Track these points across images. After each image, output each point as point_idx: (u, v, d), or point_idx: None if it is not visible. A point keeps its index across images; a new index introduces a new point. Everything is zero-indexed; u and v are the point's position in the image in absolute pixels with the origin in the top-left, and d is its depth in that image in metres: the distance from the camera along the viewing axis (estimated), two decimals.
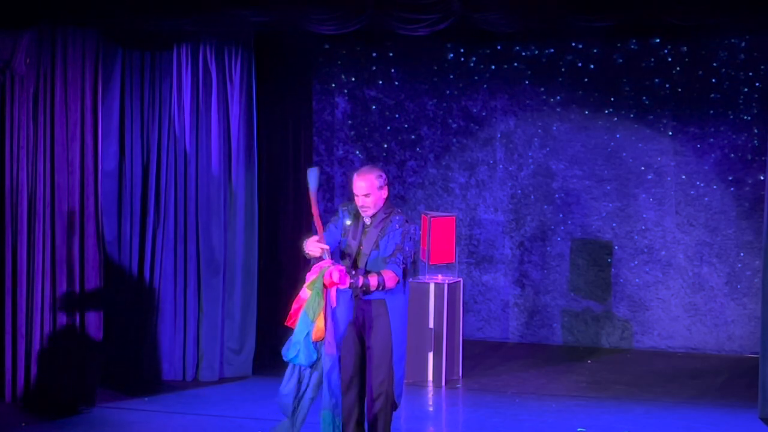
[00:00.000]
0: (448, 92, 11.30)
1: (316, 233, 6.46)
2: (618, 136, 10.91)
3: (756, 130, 10.50)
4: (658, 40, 10.68)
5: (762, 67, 10.45)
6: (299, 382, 6.33)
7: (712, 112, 10.63)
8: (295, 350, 6.26)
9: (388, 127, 11.45)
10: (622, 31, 10.30)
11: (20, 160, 8.35)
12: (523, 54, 11.07)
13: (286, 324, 6.43)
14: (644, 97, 10.81)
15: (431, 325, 9.26)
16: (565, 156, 11.05)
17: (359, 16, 8.17)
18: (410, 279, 6.75)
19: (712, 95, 10.62)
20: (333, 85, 11.51)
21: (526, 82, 11.11)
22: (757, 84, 10.48)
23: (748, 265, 10.59)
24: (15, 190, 8.36)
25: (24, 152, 8.34)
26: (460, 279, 9.74)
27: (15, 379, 8.35)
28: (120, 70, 9.00)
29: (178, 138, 9.14)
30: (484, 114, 11.25)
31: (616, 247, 10.95)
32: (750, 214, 10.57)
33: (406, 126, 11.42)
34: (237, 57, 9.23)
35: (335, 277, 6.24)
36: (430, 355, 9.28)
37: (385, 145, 11.47)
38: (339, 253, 6.61)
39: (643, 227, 10.88)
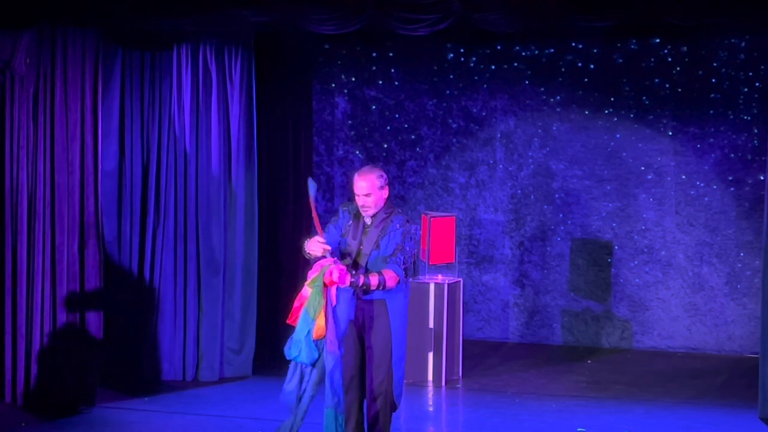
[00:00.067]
0: (448, 92, 11.30)
1: (316, 233, 6.48)
2: (618, 136, 10.91)
3: (756, 130, 10.50)
4: (658, 40, 10.68)
5: (762, 67, 10.45)
6: (301, 379, 6.37)
7: (712, 112, 10.63)
8: (297, 349, 6.31)
9: (388, 127, 11.46)
10: (622, 31, 10.30)
11: (20, 160, 8.35)
12: (523, 54, 11.07)
13: (287, 322, 6.47)
14: (644, 97, 10.82)
15: (431, 325, 9.26)
16: (565, 156, 11.05)
17: (359, 16, 8.17)
18: (411, 279, 6.74)
19: (712, 95, 10.62)
20: (333, 85, 11.52)
21: (526, 82, 11.11)
22: (757, 84, 10.48)
23: (748, 265, 10.60)
24: (15, 190, 8.36)
25: (24, 152, 8.33)
26: (460, 279, 9.74)
27: (15, 379, 8.35)
28: (120, 70, 9.00)
29: (178, 138, 9.14)
30: (484, 114, 11.25)
31: (616, 247, 10.95)
32: (750, 214, 10.57)
33: (406, 126, 11.42)
34: (237, 57, 9.24)
35: (335, 276, 6.26)
36: (430, 355, 9.28)
37: (385, 145, 11.47)
38: (339, 254, 6.62)
39: (643, 227, 10.88)
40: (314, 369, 6.36)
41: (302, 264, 8.32)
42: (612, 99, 10.89)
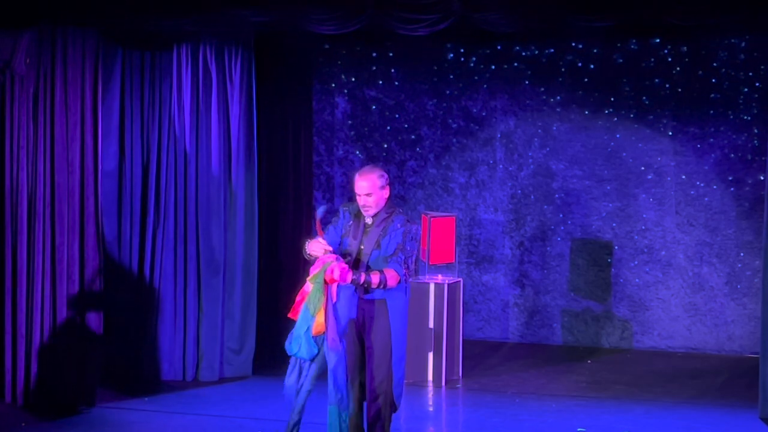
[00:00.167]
0: (448, 92, 11.30)
1: (316, 235, 6.50)
2: (618, 136, 10.91)
3: (756, 130, 10.50)
4: (658, 40, 10.68)
5: (762, 67, 10.45)
6: (299, 374, 6.43)
7: (712, 112, 10.63)
8: (297, 344, 6.38)
9: (388, 127, 11.45)
10: (622, 31, 10.30)
11: (20, 160, 8.34)
12: (523, 54, 11.07)
13: (288, 316, 6.49)
14: (644, 97, 10.82)
15: (431, 325, 9.26)
16: (565, 156, 11.05)
17: (359, 16, 8.17)
18: (411, 279, 6.75)
19: (712, 95, 10.62)
20: (333, 85, 11.52)
21: (526, 82, 11.11)
22: (757, 84, 10.48)
23: (748, 265, 10.59)
24: (15, 190, 8.36)
25: (24, 152, 8.33)
26: (460, 279, 9.74)
27: (15, 379, 8.35)
28: (120, 70, 9.00)
29: (178, 138, 9.14)
30: (484, 114, 11.25)
31: (616, 247, 10.95)
32: (750, 214, 10.57)
33: (406, 126, 11.42)
34: (237, 57, 9.23)
35: (336, 274, 6.27)
36: (430, 355, 9.28)
37: (385, 145, 11.47)
38: (340, 254, 6.62)
39: (643, 227, 10.88)
40: (312, 364, 6.41)
41: (302, 264, 8.32)
42: (612, 99, 10.89)
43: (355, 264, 6.54)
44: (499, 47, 11.10)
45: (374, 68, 11.42)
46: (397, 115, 11.43)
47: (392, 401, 6.62)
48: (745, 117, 10.53)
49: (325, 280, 6.30)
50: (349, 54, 11.42)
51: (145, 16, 8.37)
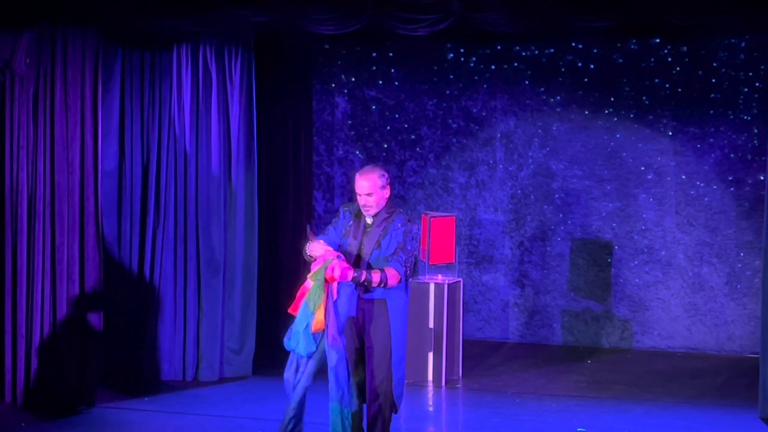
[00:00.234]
0: (448, 92, 11.30)
1: (309, 240, 6.55)
2: (618, 136, 10.91)
3: (756, 130, 10.50)
4: (658, 40, 10.68)
5: (762, 67, 10.45)
6: (296, 369, 6.44)
7: (712, 112, 10.63)
8: (295, 340, 6.40)
9: (388, 127, 11.45)
10: (622, 31, 10.30)
11: (20, 160, 8.34)
12: (523, 54, 11.07)
13: (288, 311, 6.51)
14: (644, 97, 10.81)
15: (431, 325, 9.26)
16: (565, 156, 11.05)
17: (359, 16, 8.17)
18: (411, 279, 6.75)
19: (712, 95, 10.62)
20: (333, 85, 11.51)
21: (526, 82, 11.11)
22: (757, 84, 10.48)
23: (748, 265, 10.59)
24: (15, 190, 8.36)
25: (24, 152, 8.33)
26: (460, 279, 9.74)
27: (15, 379, 8.35)
28: (120, 70, 9.00)
29: (178, 138, 9.14)
30: (484, 114, 11.25)
31: (616, 247, 10.95)
32: (750, 214, 10.57)
33: (406, 126, 11.42)
34: (237, 57, 9.23)
35: (337, 273, 6.28)
36: (430, 355, 9.28)
37: (385, 145, 11.47)
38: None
39: (643, 227, 10.88)
40: (310, 360, 6.43)
41: (302, 264, 8.32)
42: (612, 99, 10.89)
43: (356, 263, 6.54)
44: (499, 47, 11.10)
45: (374, 68, 11.42)
46: (397, 115, 11.43)
47: (392, 401, 6.62)
48: (745, 117, 10.53)
49: (325, 278, 6.30)
50: (349, 54, 11.42)
51: (145, 16, 8.37)
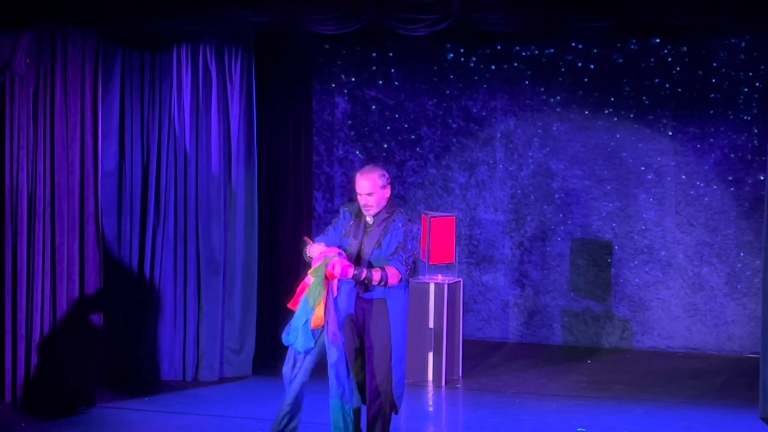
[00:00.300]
0: (448, 92, 11.30)
1: (306, 244, 6.55)
2: (618, 136, 10.91)
3: (756, 130, 10.50)
4: (658, 40, 10.68)
5: (762, 67, 10.45)
6: (294, 364, 6.45)
7: (712, 112, 10.63)
8: (294, 336, 6.40)
9: (388, 127, 11.45)
10: (622, 31, 10.30)
11: (20, 160, 8.34)
12: (523, 54, 11.07)
13: (288, 306, 6.51)
14: (644, 97, 10.81)
15: (431, 325, 9.26)
16: (565, 156, 11.05)
17: (359, 16, 8.17)
18: (411, 279, 6.75)
19: (712, 95, 10.62)
20: (333, 85, 11.51)
21: (526, 82, 11.11)
22: (757, 84, 10.48)
23: (748, 265, 10.59)
24: (15, 190, 8.36)
25: (24, 152, 8.33)
26: (460, 279, 9.74)
27: (15, 379, 8.35)
28: (120, 70, 9.00)
29: (178, 138, 9.14)
30: (484, 114, 11.25)
31: (616, 247, 10.95)
32: (750, 214, 10.57)
33: (406, 126, 11.42)
34: (237, 57, 9.24)
35: (337, 270, 6.29)
36: (430, 355, 9.28)
37: (385, 145, 11.47)
38: None
39: (643, 227, 10.88)
40: (307, 356, 6.43)
41: (302, 264, 8.31)
42: (612, 99, 10.89)
43: (357, 263, 6.54)
44: (499, 47, 11.10)
45: (374, 68, 11.42)
46: (397, 115, 11.43)
47: (392, 401, 6.62)
48: (745, 117, 10.53)
49: (326, 275, 6.30)
50: (349, 54, 11.42)
51: (145, 16, 8.37)
